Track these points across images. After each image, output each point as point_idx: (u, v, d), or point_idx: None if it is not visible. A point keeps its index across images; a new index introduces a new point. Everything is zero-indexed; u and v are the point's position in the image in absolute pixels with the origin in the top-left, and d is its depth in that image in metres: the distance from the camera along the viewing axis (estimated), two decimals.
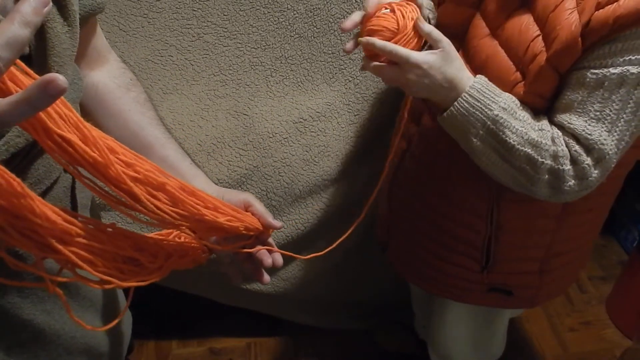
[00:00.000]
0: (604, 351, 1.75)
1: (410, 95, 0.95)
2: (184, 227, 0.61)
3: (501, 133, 0.81)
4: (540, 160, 0.82)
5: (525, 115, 0.83)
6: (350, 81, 1.37)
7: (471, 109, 0.82)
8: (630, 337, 1.76)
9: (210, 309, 1.70)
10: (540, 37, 0.82)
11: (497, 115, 0.81)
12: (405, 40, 0.82)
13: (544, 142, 0.82)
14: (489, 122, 0.81)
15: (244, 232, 0.70)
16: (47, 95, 0.36)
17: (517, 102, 0.84)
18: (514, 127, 0.81)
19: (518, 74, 0.85)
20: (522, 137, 0.81)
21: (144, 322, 1.33)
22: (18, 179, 0.42)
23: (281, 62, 1.36)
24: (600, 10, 0.75)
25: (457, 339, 1.27)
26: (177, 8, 1.30)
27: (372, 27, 0.83)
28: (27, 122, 0.41)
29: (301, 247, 1.48)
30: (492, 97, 0.82)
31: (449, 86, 0.82)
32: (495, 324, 1.25)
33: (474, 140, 0.83)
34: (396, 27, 0.82)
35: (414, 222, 1.13)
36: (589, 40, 0.76)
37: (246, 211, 0.74)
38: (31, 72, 0.40)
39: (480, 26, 0.89)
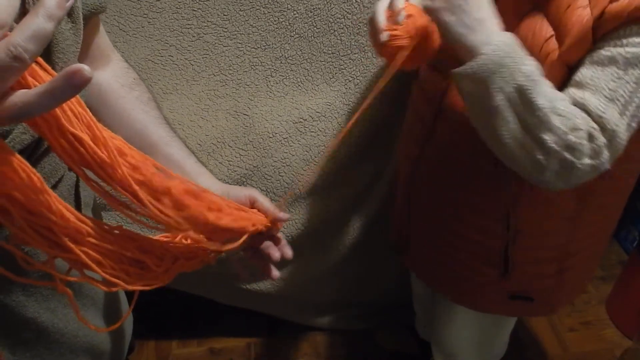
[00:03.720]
0: (604, 351, 1.75)
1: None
2: (189, 232, 0.61)
3: (530, 92, 0.74)
4: (563, 130, 0.76)
5: (549, 82, 0.78)
6: (350, 81, 1.37)
7: (506, 57, 0.74)
8: (630, 337, 1.76)
9: (210, 309, 1.70)
10: (554, 37, 0.81)
11: (532, 72, 0.75)
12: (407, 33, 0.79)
13: (568, 111, 0.77)
14: (521, 77, 0.74)
15: (251, 230, 0.69)
16: (73, 85, 0.36)
17: None
18: (544, 90, 0.76)
19: None
20: (551, 102, 0.75)
21: (144, 322, 1.33)
22: (38, 174, 0.42)
23: (281, 62, 1.36)
24: (614, 3, 0.74)
25: (463, 339, 1.27)
26: (177, 8, 1.30)
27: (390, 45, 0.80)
28: (42, 120, 0.41)
29: (302, 247, 1.48)
30: (523, 55, 0.76)
31: (479, 26, 0.75)
32: (502, 325, 1.24)
33: (498, 97, 0.75)
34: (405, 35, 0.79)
35: (434, 229, 1.12)
36: (600, 31, 0.76)
37: (252, 207, 0.73)
38: (48, 67, 0.40)
39: None
